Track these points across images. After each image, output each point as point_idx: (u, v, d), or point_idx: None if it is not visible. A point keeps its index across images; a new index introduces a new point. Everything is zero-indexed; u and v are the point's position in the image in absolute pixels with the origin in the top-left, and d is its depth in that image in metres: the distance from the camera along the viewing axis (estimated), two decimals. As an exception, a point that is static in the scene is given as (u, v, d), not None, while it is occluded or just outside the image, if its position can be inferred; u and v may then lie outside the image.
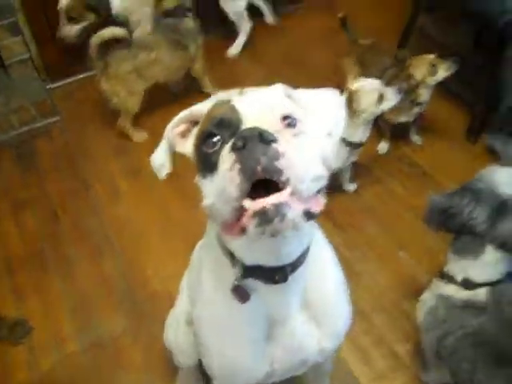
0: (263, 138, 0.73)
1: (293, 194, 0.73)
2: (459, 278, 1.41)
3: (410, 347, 1.77)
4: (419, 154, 2.49)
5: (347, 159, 2.13)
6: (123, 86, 2.58)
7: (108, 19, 2.58)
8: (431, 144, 2.52)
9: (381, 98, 2.00)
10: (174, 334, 1.53)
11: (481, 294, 1.38)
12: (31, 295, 2.09)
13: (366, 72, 2.29)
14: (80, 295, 2.07)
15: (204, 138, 0.83)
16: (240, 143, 0.73)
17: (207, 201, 0.80)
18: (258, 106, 0.82)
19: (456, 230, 1.40)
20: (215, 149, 0.80)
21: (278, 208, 0.71)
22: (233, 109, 0.83)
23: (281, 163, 0.72)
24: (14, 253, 2.26)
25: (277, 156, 0.72)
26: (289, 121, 0.81)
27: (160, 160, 0.95)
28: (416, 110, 2.34)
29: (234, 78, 3.00)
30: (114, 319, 1.96)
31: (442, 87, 2.36)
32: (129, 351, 1.86)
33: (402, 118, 2.38)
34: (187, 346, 1.48)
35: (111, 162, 2.66)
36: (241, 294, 0.95)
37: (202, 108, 0.92)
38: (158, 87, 2.76)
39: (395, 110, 2.25)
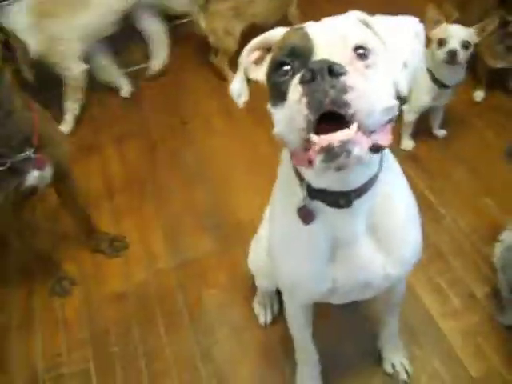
0: (332, 71, 0.72)
1: (360, 128, 0.73)
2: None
3: (487, 290, 1.77)
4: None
5: (436, 99, 2.11)
6: (221, 24, 2.67)
7: None
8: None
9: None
10: (256, 258, 1.63)
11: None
12: (128, 216, 2.28)
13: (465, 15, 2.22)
14: (172, 218, 2.24)
15: (275, 67, 0.83)
16: (308, 76, 0.73)
17: (277, 128, 0.81)
18: (331, 34, 0.81)
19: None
20: (286, 78, 0.80)
21: (344, 145, 0.72)
22: (305, 36, 0.81)
23: (349, 96, 0.72)
24: (115, 178, 2.48)
25: (345, 89, 0.72)
26: (362, 51, 0.79)
27: (237, 88, 0.94)
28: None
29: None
30: (202, 242, 2.11)
31: None
32: (213, 272, 2.01)
33: (499, 64, 2.29)
34: (267, 270, 1.55)
35: (208, 101, 2.80)
36: (305, 215, 0.97)
37: (275, 34, 0.91)
38: (253, 31, 2.83)
39: (493, 53, 2.18)
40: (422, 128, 2.32)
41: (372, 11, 0.90)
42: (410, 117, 2.21)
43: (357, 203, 0.93)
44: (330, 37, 0.80)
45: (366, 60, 0.78)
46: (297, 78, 0.76)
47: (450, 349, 1.65)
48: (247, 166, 2.40)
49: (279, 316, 1.80)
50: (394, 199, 1.03)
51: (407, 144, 2.31)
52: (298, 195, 0.96)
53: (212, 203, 2.26)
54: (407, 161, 2.26)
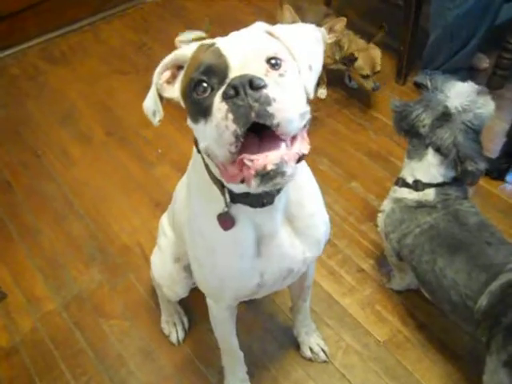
0: (254, 85, 0.76)
1: (282, 134, 0.77)
2: (410, 181, 1.59)
3: (372, 262, 1.94)
4: (355, 96, 2.67)
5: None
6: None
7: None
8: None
9: None
10: (161, 269, 1.63)
11: (430, 193, 1.55)
12: (-2, 264, 2.09)
13: (303, 20, 2.42)
14: (48, 257, 2.08)
15: (193, 85, 0.84)
16: (231, 92, 0.76)
17: (203, 143, 0.84)
18: (243, 48, 0.83)
19: (406, 130, 1.58)
20: (205, 95, 0.82)
21: (278, 167, 0.76)
22: (218, 53, 0.84)
23: (272, 108, 0.75)
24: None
25: (268, 101, 0.75)
26: (274, 61, 0.83)
27: (151, 106, 0.95)
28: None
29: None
30: (88, 275, 2.01)
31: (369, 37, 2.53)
32: (108, 302, 1.92)
33: (335, 66, 2.54)
34: (174, 279, 1.59)
35: (58, 130, 2.66)
36: (226, 221, 1.01)
37: (186, 52, 0.92)
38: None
39: (329, 55, 2.41)
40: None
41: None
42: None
43: (276, 199, 0.99)
44: (242, 51, 0.83)
45: (279, 69, 0.82)
46: (219, 96, 0.78)
47: (355, 322, 1.78)
48: (119, 188, 2.33)
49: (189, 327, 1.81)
50: (305, 188, 1.11)
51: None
52: (218, 201, 0.99)
53: (90, 233, 2.15)
54: None
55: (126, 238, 2.12)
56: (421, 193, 1.57)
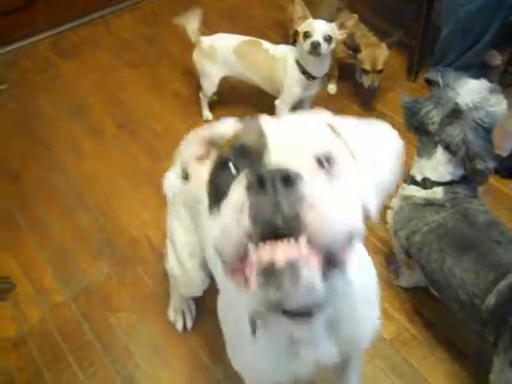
0: (288, 181, 0.59)
1: (313, 247, 0.59)
2: (419, 178, 1.58)
3: (381, 259, 1.93)
4: (366, 92, 2.65)
5: (305, 90, 2.27)
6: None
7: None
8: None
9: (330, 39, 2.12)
10: (179, 267, 1.51)
11: (438, 192, 1.55)
12: (7, 255, 2.10)
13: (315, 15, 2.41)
14: (57, 249, 2.09)
15: (219, 166, 0.70)
16: (257, 184, 0.59)
17: (213, 237, 0.66)
18: (291, 135, 0.68)
19: (416, 127, 1.57)
20: (228, 178, 0.67)
21: (292, 267, 0.57)
22: (260, 133, 0.69)
23: (307, 214, 0.58)
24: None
25: (303, 204, 0.59)
26: (325, 161, 0.67)
27: (172, 189, 0.83)
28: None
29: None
30: (97, 267, 2.02)
31: (381, 32, 2.51)
32: (116, 295, 1.93)
33: (349, 60, 2.52)
34: (189, 278, 1.50)
35: (70, 123, 2.67)
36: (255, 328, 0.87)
37: (224, 130, 0.77)
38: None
39: (342, 49, 2.40)
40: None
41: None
42: (283, 110, 2.33)
43: (317, 313, 0.75)
44: (289, 138, 0.68)
45: (332, 171, 0.67)
46: (241, 181, 0.62)
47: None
48: (128, 182, 2.34)
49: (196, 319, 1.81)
50: (358, 289, 0.90)
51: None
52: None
53: (99, 226, 2.16)
54: None
55: (135, 231, 2.13)
56: (429, 191, 1.56)
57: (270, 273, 0.57)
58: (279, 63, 2.29)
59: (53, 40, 3.28)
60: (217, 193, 0.68)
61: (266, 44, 2.35)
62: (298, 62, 2.23)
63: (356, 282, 0.86)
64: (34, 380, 1.72)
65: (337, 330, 0.91)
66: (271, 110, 2.38)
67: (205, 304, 1.81)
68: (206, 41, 2.38)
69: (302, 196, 0.59)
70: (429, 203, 1.55)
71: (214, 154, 0.76)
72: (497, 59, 2.68)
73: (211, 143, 0.79)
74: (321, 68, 2.23)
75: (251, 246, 0.58)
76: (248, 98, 2.64)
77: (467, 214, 1.51)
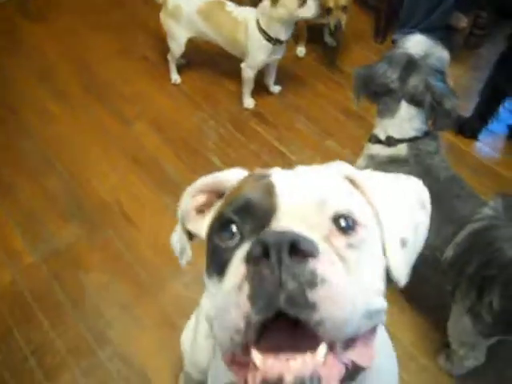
0: (296, 249, 0.49)
1: (325, 338, 0.49)
2: (383, 137, 1.61)
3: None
4: (334, 54, 2.67)
5: (271, 55, 2.27)
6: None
7: None
8: (344, 45, 2.70)
9: (302, 3, 2.11)
10: (192, 341, 1.30)
11: (402, 149, 1.58)
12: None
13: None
14: (26, 213, 2.09)
15: (219, 225, 0.60)
16: (259, 251, 0.49)
17: (209, 312, 0.59)
18: (305, 192, 0.58)
19: (376, 92, 1.59)
20: (230, 244, 0.57)
21: (304, 382, 0.48)
22: (269, 189, 0.59)
23: (316, 294, 0.48)
24: None
25: (313, 282, 0.48)
26: (345, 223, 0.57)
27: (179, 243, 0.72)
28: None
29: None
30: (67, 229, 2.02)
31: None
32: (86, 255, 1.94)
33: (317, 20, 2.52)
34: (202, 360, 1.25)
35: (36, 87, 2.62)
36: None
37: (231, 178, 0.68)
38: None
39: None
40: (258, 86, 2.47)
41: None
42: (248, 73, 2.33)
43: None
44: (303, 196, 0.58)
45: (351, 236, 0.56)
46: (242, 251, 0.54)
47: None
48: (97, 145, 2.33)
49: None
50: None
51: (249, 102, 2.44)
52: None
53: (68, 189, 2.16)
54: (252, 118, 2.41)
55: (105, 194, 2.13)
56: (394, 148, 1.59)
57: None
58: (241, 26, 2.27)
59: (20, 1, 3.20)
60: (214, 256, 0.60)
61: (230, 5, 2.33)
62: (260, 28, 2.21)
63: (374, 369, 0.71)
64: (4, 339, 1.72)
65: None
66: (239, 73, 2.38)
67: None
68: (172, 1, 2.35)
69: (314, 273, 0.49)
70: (393, 160, 1.59)
71: (215, 207, 0.68)
72: (462, 22, 2.72)
73: (214, 192, 0.70)
74: (286, 32, 2.23)
75: (254, 351, 0.50)
76: (216, 62, 2.64)
77: (430, 169, 1.55)
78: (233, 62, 2.44)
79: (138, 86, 2.57)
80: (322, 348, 0.49)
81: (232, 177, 0.68)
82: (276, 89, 2.51)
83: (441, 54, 1.55)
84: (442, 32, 2.49)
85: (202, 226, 0.68)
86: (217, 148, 2.31)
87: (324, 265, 0.49)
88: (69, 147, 2.32)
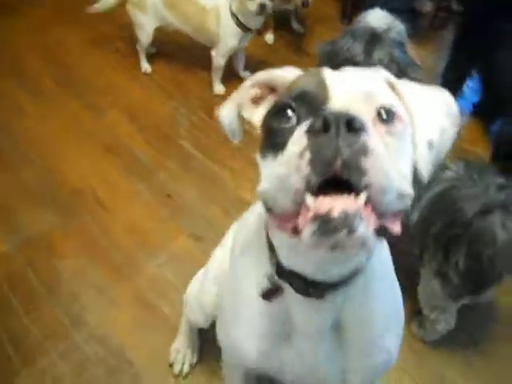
0: (352, 126, 0.57)
1: (369, 203, 0.56)
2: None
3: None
4: (302, 41, 2.70)
5: (241, 41, 2.29)
6: None
7: None
8: (311, 30, 2.74)
9: None
10: (198, 290, 1.40)
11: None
12: None
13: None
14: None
15: (277, 110, 0.66)
16: (319, 125, 0.57)
17: (263, 186, 0.64)
18: (352, 86, 0.65)
19: (341, 66, 1.63)
20: (287, 125, 0.64)
21: (348, 217, 0.55)
22: (321, 82, 0.66)
23: (367, 161, 0.56)
24: None
25: (364, 151, 0.56)
26: (386, 115, 0.64)
27: (228, 120, 0.78)
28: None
29: None
30: (41, 218, 2.01)
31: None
32: (61, 243, 1.94)
33: (284, 5, 2.56)
34: (206, 306, 1.36)
35: (8, 82, 2.61)
36: (268, 294, 0.82)
37: (286, 75, 0.74)
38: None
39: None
40: (228, 72, 2.50)
41: None
42: (219, 61, 2.36)
43: (330, 296, 0.76)
44: (351, 89, 0.65)
45: (390, 125, 0.64)
46: (303, 126, 0.60)
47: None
48: (69, 135, 2.33)
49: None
50: (376, 300, 0.85)
51: (219, 89, 2.46)
52: (264, 267, 0.81)
53: (42, 179, 2.15)
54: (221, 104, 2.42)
55: (78, 182, 2.13)
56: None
57: (325, 221, 0.55)
58: (211, 15, 2.30)
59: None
60: (271, 138, 0.66)
61: None
62: (233, 15, 2.24)
63: (377, 285, 0.83)
64: (-22, 327, 1.72)
65: (344, 333, 0.84)
66: (209, 60, 2.40)
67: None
68: (137, -9, 2.37)
69: (365, 144, 0.56)
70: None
71: (270, 98, 0.75)
72: (426, 6, 2.77)
73: (269, 87, 0.76)
74: (257, 22, 2.27)
75: (309, 195, 0.56)
76: (186, 49, 2.66)
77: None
78: (202, 50, 2.47)
79: (110, 78, 2.59)
80: (363, 195, 0.56)
81: (287, 74, 0.74)
82: (246, 74, 2.54)
83: (400, 27, 1.60)
84: (406, 14, 2.53)
85: (255, 114, 0.75)
86: (189, 134, 2.33)
87: (373, 139, 0.57)
88: (41, 139, 2.32)
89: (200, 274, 1.46)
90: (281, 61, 2.59)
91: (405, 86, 0.73)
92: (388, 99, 0.66)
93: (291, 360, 0.88)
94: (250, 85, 0.77)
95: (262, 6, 2.14)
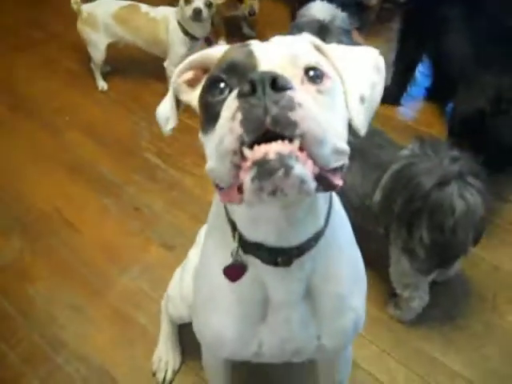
0: (277, 85, 0.59)
1: (305, 151, 0.58)
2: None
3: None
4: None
5: (191, 49, 2.32)
6: None
7: None
8: (262, 34, 2.77)
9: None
10: (179, 284, 1.44)
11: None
12: None
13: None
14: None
15: (209, 85, 0.68)
16: (247, 88, 0.59)
17: (209, 163, 0.66)
18: (278, 51, 0.68)
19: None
20: (220, 97, 0.66)
21: (284, 158, 0.57)
22: (249, 53, 0.68)
23: (296, 114, 0.58)
24: None
25: (291, 106, 0.58)
26: (313, 73, 0.66)
27: (165, 112, 0.80)
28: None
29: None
30: (9, 244, 1.98)
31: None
32: (32, 268, 1.91)
33: (232, 12, 2.60)
34: (188, 299, 1.34)
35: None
36: (234, 272, 0.83)
37: (214, 52, 0.76)
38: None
39: (225, 4, 2.47)
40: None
41: None
42: (172, 70, 2.34)
43: (297, 263, 0.79)
44: (277, 54, 0.67)
45: (319, 85, 0.66)
46: (233, 94, 0.62)
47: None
48: (29, 158, 2.31)
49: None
50: (340, 260, 0.89)
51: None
52: (230, 246, 0.81)
53: (5, 205, 2.13)
54: (182, 113, 2.37)
55: (42, 204, 2.11)
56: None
57: (262, 164, 0.57)
58: (161, 25, 2.34)
59: None
60: (208, 112, 0.68)
61: (144, 7, 2.40)
62: (179, 24, 2.28)
63: (338, 247, 0.87)
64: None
65: (315, 298, 0.87)
66: (163, 72, 2.42)
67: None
68: (86, 9, 2.38)
69: (292, 99, 0.58)
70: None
71: (204, 79, 0.75)
72: (373, 0, 2.84)
73: (202, 68, 0.79)
74: (202, 29, 2.31)
75: (245, 148, 0.58)
76: (140, 63, 2.68)
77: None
78: (155, 62, 2.49)
79: (65, 98, 2.58)
80: (297, 142, 0.58)
81: (216, 51, 0.76)
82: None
83: (343, 15, 1.64)
84: (353, 8, 2.59)
85: (192, 96, 0.77)
86: (152, 146, 2.34)
87: (300, 94, 0.59)
88: (1, 167, 2.29)
89: (177, 272, 1.50)
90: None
91: (331, 46, 0.76)
92: (314, 59, 0.68)
93: (268, 338, 0.91)
94: (183, 68, 0.79)
95: (197, 12, 2.17)
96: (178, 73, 0.79)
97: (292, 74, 0.64)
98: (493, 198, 1.60)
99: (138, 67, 2.66)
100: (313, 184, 0.59)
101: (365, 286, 0.99)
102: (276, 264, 0.78)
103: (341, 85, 0.71)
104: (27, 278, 1.88)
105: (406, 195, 1.35)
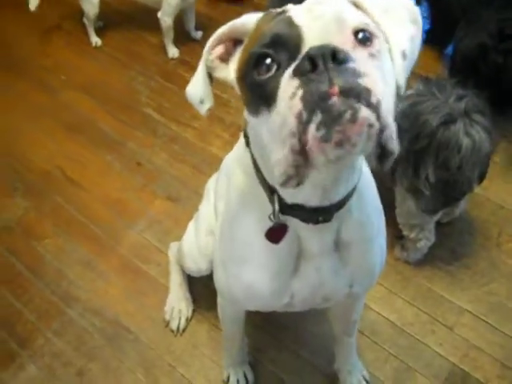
0: (337, 59, 0.56)
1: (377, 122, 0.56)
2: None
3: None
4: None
5: (182, 1, 2.30)
6: None
7: None
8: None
9: None
10: (192, 239, 1.46)
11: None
12: None
13: None
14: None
15: (253, 63, 0.63)
16: (307, 65, 0.56)
17: (260, 143, 0.64)
18: (322, 17, 0.62)
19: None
20: (269, 74, 0.61)
21: (348, 101, 0.54)
22: (289, 22, 0.62)
23: (365, 81, 0.55)
24: None
25: (358, 74, 0.56)
26: (363, 35, 0.61)
27: (198, 93, 0.74)
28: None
29: None
30: (13, 204, 1.99)
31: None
32: (38, 225, 1.92)
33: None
34: (202, 252, 1.42)
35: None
36: (276, 234, 0.83)
37: (246, 22, 0.71)
38: None
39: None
40: (180, 35, 2.48)
41: None
42: (166, 21, 2.34)
43: (335, 216, 0.80)
44: (322, 20, 0.61)
45: (370, 47, 0.62)
46: (289, 72, 0.58)
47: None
48: (27, 118, 2.28)
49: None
50: (367, 211, 0.90)
51: (173, 52, 2.44)
52: (262, 209, 0.81)
53: (6, 166, 2.12)
54: (180, 66, 2.42)
55: (44, 163, 2.11)
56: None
57: (329, 109, 0.54)
58: None
59: None
60: (256, 92, 0.63)
61: None
62: None
63: (366, 200, 0.87)
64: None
65: (345, 247, 0.88)
66: (158, 25, 2.38)
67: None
68: (78, -39, 2.31)
69: (357, 69, 0.56)
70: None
71: (238, 52, 0.71)
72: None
73: (232, 40, 0.73)
74: None
75: (312, 126, 0.55)
76: (133, 18, 2.63)
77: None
78: (150, 15, 2.44)
79: (58, 56, 2.54)
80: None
81: (246, 21, 0.71)
82: (198, 34, 2.51)
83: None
84: None
85: (228, 72, 0.72)
86: (150, 101, 2.31)
87: (362, 64, 0.57)
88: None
89: (190, 228, 1.50)
90: (229, 17, 2.54)
91: (368, 0, 0.69)
92: (359, 19, 0.63)
93: (300, 288, 0.92)
94: (213, 43, 0.73)
95: None
96: (208, 49, 0.73)
97: (342, 41, 0.59)
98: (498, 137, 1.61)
99: (133, 21, 2.61)
100: (375, 140, 0.57)
101: (384, 228, 1.00)
102: (317, 222, 0.78)
103: (385, 42, 0.66)
104: (35, 237, 1.89)
105: (412, 134, 1.35)
